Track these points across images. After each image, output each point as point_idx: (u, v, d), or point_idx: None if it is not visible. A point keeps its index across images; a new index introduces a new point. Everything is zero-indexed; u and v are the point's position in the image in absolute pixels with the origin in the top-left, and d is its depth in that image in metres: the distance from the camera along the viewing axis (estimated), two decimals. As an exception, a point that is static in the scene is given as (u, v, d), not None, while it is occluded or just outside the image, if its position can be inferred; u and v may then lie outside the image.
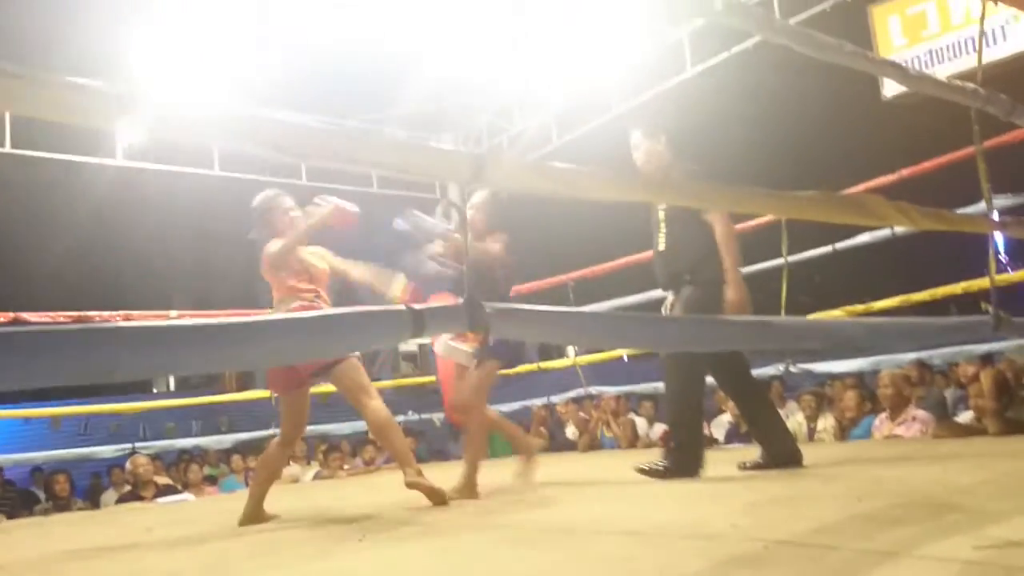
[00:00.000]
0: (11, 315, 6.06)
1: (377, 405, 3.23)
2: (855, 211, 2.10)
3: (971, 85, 2.55)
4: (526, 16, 6.74)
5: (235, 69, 6.86)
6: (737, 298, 3.16)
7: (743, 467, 3.47)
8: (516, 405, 7.92)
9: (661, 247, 3.49)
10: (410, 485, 3.08)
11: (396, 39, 7.09)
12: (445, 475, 3.50)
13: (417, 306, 1.51)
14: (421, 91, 8.11)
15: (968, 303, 5.83)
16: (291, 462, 7.62)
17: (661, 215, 3.47)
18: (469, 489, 3.33)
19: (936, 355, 5.36)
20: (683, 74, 7.13)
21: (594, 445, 6.81)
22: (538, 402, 7.71)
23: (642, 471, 3.38)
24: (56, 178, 8.38)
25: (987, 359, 5.15)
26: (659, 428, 6.62)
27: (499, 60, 7.62)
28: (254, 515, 3.33)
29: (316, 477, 7.22)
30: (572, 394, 7.25)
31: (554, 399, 7.61)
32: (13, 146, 6.77)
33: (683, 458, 3.34)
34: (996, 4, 2.63)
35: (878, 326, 2.29)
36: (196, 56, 6.88)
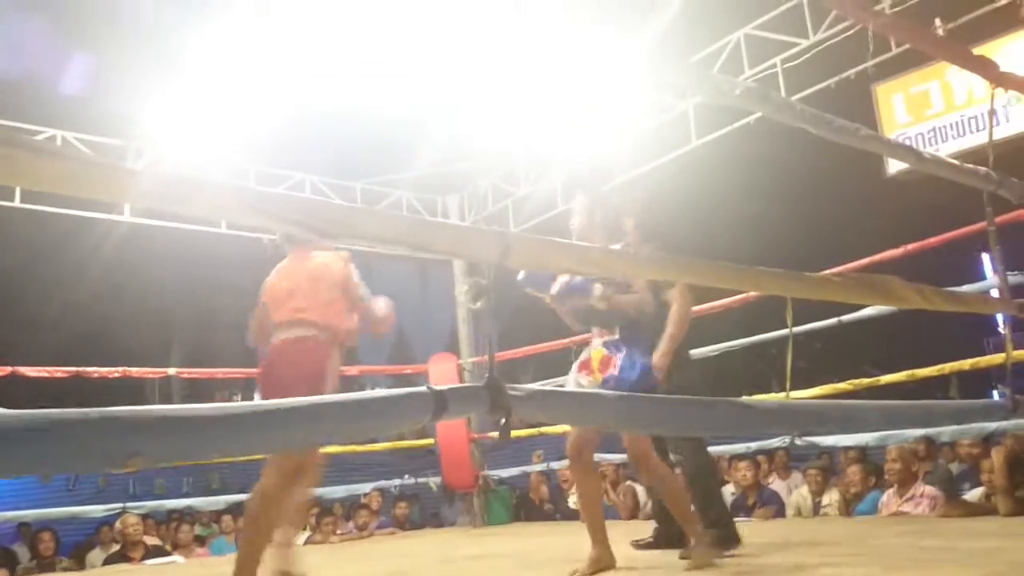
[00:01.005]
0: (8, 369, 6.02)
1: None
2: (875, 293, 2.10)
3: (984, 169, 2.57)
4: (535, 82, 6.86)
5: (247, 131, 6.96)
6: (660, 365, 3.32)
7: (636, 544, 3.53)
8: (514, 471, 7.81)
9: (599, 304, 3.51)
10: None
11: (405, 102, 7.20)
12: (440, 540, 3.42)
13: (438, 387, 1.48)
14: (429, 154, 8.21)
15: (970, 378, 5.80)
16: (283, 525, 7.46)
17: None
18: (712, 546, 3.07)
19: (943, 431, 5.30)
20: (687, 145, 7.23)
21: (595, 514, 6.68)
22: (537, 468, 7.59)
23: (686, 557, 3.17)
24: (62, 233, 8.41)
25: (992, 436, 5.11)
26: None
27: (507, 124, 7.73)
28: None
29: (307, 542, 7.06)
30: (573, 461, 7.13)
31: (554, 465, 7.50)
32: (22, 200, 6.81)
33: (722, 532, 3.39)
34: (1005, 91, 2.66)
35: (893, 409, 2.26)
36: (209, 118, 6.98)
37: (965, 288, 4.66)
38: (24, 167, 1.03)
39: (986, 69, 2.57)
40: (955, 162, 2.54)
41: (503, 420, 1.53)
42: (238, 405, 1.19)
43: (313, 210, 1.36)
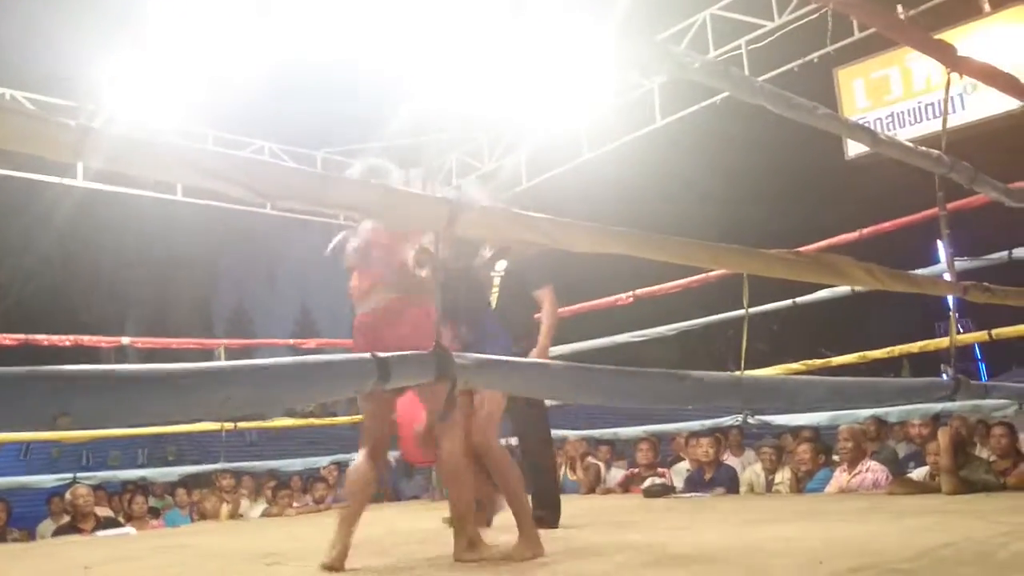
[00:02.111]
0: (73, 338, 5.90)
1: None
2: (826, 271, 2.12)
3: (936, 152, 2.60)
4: (502, 58, 6.81)
5: (207, 97, 6.81)
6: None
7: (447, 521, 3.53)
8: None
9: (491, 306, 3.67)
10: (459, 560, 2.71)
11: (371, 74, 7.11)
12: (400, 515, 3.41)
13: (382, 354, 1.46)
14: (394, 126, 8.12)
15: (921, 360, 5.93)
16: (240, 496, 7.41)
17: (496, 279, 3.87)
18: (533, 542, 2.83)
19: (892, 412, 5.42)
20: (653, 124, 7.24)
21: (553, 489, 6.74)
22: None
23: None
24: (12, 196, 8.18)
25: (939, 417, 5.23)
26: (617, 472, 6.58)
27: (473, 99, 7.68)
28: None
29: (263, 514, 7.02)
30: (531, 437, 7.16)
31: (513, 441, 7.52)
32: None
33: (553, 510, 3.69)
34: (961, 76, 2.69)
35: (842, 386, 2.29)
36: (168, 81, 6.81)
37: (917, 272, 4.75)
38: None
39: (944, 53, 2.59)
40: (909, 144, 2.57)
41: (450, 389, 1.52)
42: (172, 366, 1.16)
43: (255, 172, 1.32)
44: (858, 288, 5.20)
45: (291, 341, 8.74)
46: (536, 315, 3.92)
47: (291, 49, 6.60)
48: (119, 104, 7.08)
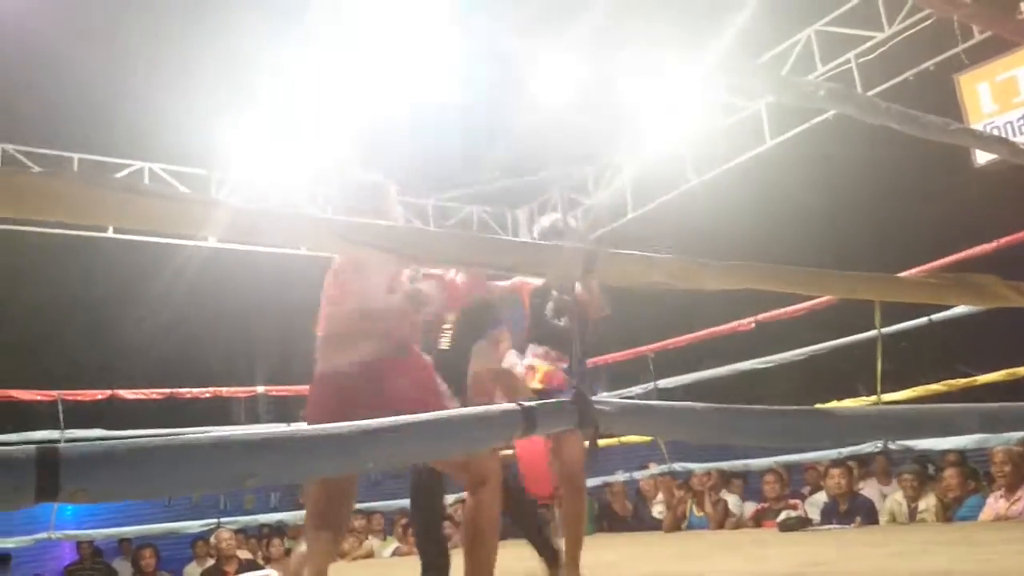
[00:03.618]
0: (108, 392, 6.33)
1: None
2: (974, 294, 2.02)
3: (1085, 158, 2.45)
4: (603, 86, 6.84)
5: (321, 155, 7.15)
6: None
7: None
8: (596, 480, 7.75)
9: (443, 346, 3.36)
10: None
11: (471, 115, 7.28)
12: (522, 551, 3.43)
13: (528, 403, 1.49)
14: (498, 167, 8.27)
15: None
16: (369, 536, 7.59)
17: (450, 316, 3.44)
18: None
19: (1048, 432, 5.04)
20: (762, 145, 7.09)
21: (679, 525, 6.60)
22: (620, 478, 7.52)
23: None
24: (150, 259, 8.79)
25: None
26: (750, 506, 6.38)
27: (574, 131, 7.73)
28: None
29: (395, 553, 7.17)
30: (656, 470, 7.04)
31: (636, 475, 7.42)
32: (114, 231, 7.16)
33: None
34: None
35: (996, 413, 2.16)
36: (285, 142, 7.20)
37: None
38: (110, 207, 1.07)
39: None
40: (1053, 152, 2.42)
41: (592, 435, 1.53)
42: (337, 426, 1.23)
43: (399, 237, 1.39)
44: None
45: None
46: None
47: (388, 99, 6.85)
48: (244, 168, 7.55)
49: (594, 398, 1.54)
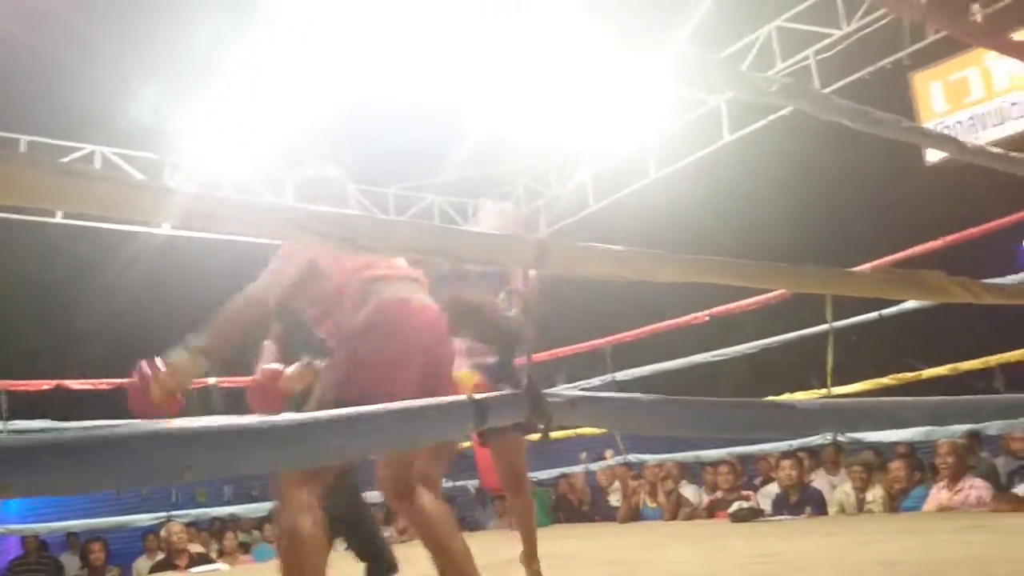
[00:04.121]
0: (55, 382, 6.17)
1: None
2: (919, 288, 2.05)
3: (1029, 157, 2.50)
4: (563, 80, 6.84)
5: (279, 139, 7.04)
6: None
7: None
8: (552, 472, 7.79)
9: None
10: None
11: (435, 106, 7.23)
12: (479, 546, 3.41)
13: (478, 396, 1.48)
14: (459, 157, 8.23)
15: (1016, 369, 5.65)
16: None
17: None
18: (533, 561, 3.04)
19: (991, 424, 5.18)
20: (720, 140, 7.15)
21: (634, 516, 6.66)
22: (576, 469, 7.56)
23: None
24: (101, 246, 8.58)
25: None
26: (699, 496, 6.45)
27: (537, 124, 7.72)
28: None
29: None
30: (612, 461, 7.09)
31: (592, 466, 7.46)
32: (64, 216, 6.97)
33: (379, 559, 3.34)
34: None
35: (942, 406, 2.21)
36: (242, 127, 7.06)
37: (1009, 279, 4.55)
38: (60, 191, 1.03)
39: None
40: (999, 151, 2.47)
41: (545, 427, 1.52)
42: (278, 418, 1.20)
43: (351, 224, 1.35)
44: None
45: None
46: None
47: (349, 88, 6.76)
48: (200, 153, 7.40)
49: (546, 390, 1.53)
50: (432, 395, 1.76)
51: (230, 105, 6.88)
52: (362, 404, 1.32)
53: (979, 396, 2.61)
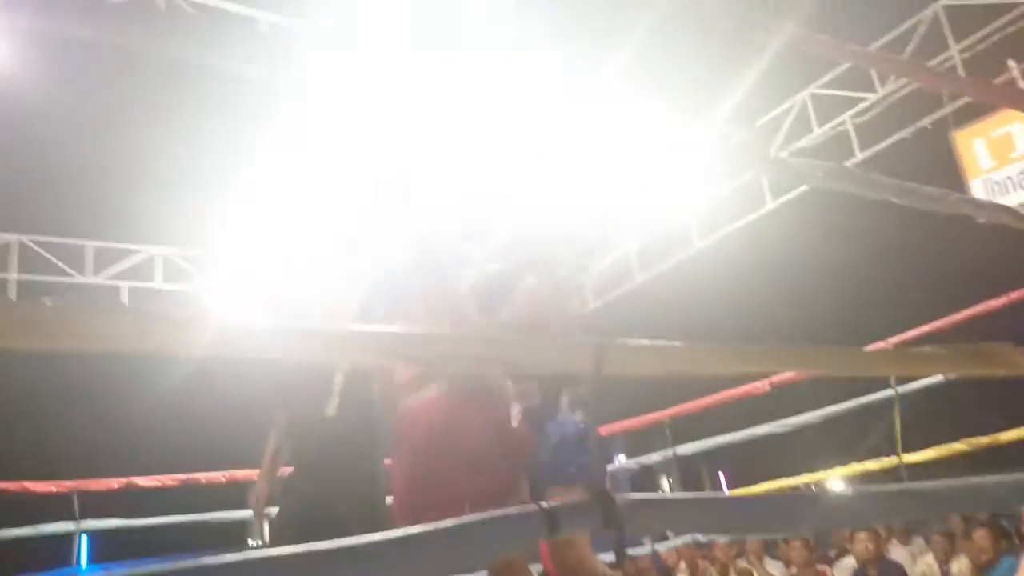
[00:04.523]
0: (124, 480, 6.26)
1: None
2: (990, 363, 2.00)
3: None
4: (608, 154, 6.91)
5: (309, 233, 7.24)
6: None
7: None
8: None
9: (330, 412, 2.86)
10: None
11: (476, 183, 7.34)
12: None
13: (548, 504, 1.48)
14: (500, 241, 8.30)
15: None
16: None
17: (338, 377, 2.93)
18: None
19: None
20: (763, 207, 7.15)
21: (705, 596, 6.42)
22: (641, 551, 7.35)
23: None
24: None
25: None
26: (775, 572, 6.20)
27: (579, 196, 7.81)
28: None
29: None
30: (679, 541, 6.88)
31: (658, 547, 7.25)
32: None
33: None
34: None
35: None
36: (267, 218, 7.28)
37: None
38: (69, 328, 1.03)
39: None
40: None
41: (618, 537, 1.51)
42: (324, 545, 1.17)
43: (399, 338, 1.37)
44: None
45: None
46: None
47: (388, 167, 6.93)
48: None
49: (616, 495, 1.52)
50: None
51: (258, 202, 7.10)
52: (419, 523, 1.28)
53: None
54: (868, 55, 2.40)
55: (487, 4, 5.33)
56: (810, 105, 6.44)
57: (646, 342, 1.65)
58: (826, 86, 6.32)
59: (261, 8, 5.57)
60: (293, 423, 2.91)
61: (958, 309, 5.10)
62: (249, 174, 6.85)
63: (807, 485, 6.24)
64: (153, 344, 1.12)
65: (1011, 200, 5.53)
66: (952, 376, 5.11)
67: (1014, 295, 4.89)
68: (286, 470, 3.01)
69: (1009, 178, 5.55)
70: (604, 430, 7.39)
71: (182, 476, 6.48)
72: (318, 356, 1.54)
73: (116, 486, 6.23)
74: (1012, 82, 5.50)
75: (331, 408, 2.84)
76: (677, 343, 1.67)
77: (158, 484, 6.42)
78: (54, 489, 6.14)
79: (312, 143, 6.36)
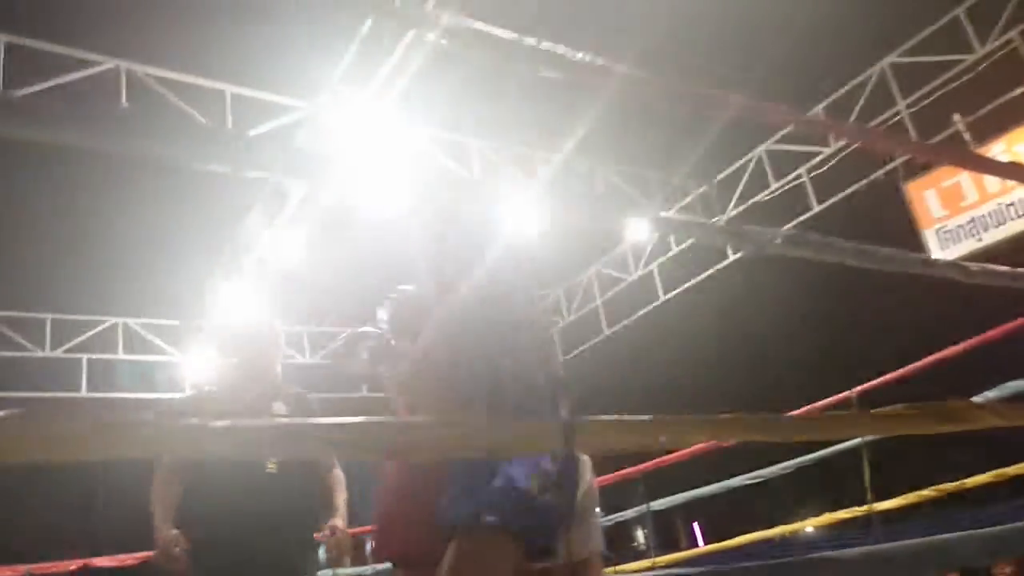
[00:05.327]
0: (82, 562, 6.07)
1: None
2: (950, 420, 2.03)
3: (1038, 272, 2.53)
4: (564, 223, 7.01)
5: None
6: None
7: None
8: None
9: (271, 468, 2.55)
10: None
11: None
12: None
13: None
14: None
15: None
16: None
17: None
18: None
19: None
20: (725, 260, 7.25)
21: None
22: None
23: None
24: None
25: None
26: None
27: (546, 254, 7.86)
28: None
29: None
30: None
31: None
32: (89, 390, 7.06)
33: None
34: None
35: (997, 537, 2.15)
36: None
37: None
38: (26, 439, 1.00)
39: (1020, 175, 2.58)
40: (1004, 268, 2.50)
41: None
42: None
43: (363, 431, 1.35)
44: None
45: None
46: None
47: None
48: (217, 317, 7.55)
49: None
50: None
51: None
52: None
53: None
54: (816, 122, 2.49)
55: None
56: (766, 160, 6.60)
57: (615, 417, 1.65)
58: (781, 141, 6.50)
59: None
60: (212, 472, 2.45)
61: (918, 357, 5.17)
62: (212, 244, 6.82)
63: (782, 535, 6.21)
64: (135, 450, 1.11)
65: (963, 248, 5.69)
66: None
67: (971, 342, 4.96)
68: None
69: (960, 227, 5.71)
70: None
71: (140, 555, 6.28)
72: (287, 452, 1.50)
73: (73, 568, 6.03)
74: (957, 135, 5.70)
75: (272, 465, 2.53)
76: (646, 416, 1.68)
77: (116, 564, 6.23)
78: (9, 574, 5.92)
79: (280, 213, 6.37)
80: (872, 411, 2.12)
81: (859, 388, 4.84)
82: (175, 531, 2.44)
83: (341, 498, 2.68)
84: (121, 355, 7.52)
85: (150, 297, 7.47)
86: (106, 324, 7.58)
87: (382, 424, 1.47)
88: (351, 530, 2.69)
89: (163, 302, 7.57)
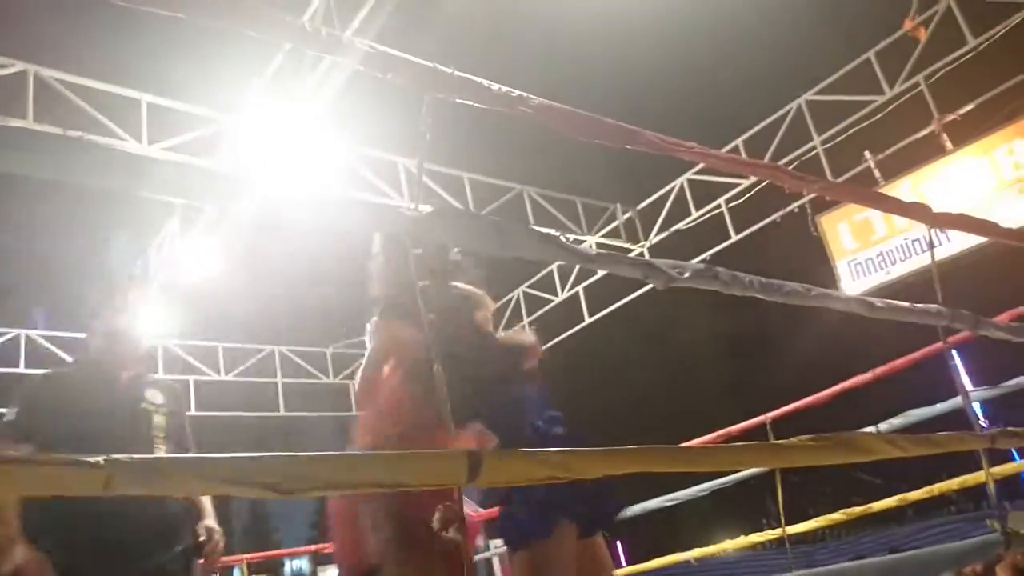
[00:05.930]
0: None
1: None
2: (848, 451, 2.09)
3: (935, 307, 2.65)
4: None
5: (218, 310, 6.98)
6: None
7: None
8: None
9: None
10: None
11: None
12: None
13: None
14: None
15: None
16: None
17: (160, 422, 2.45)
18: None
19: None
20: (647, 287, 7.38)
21: None
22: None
23: None
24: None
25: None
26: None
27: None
28: None
29: None
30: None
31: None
32: None
33: None
34: (941, 231, 2.79)
35: (892, 567, 2.22)
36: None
37: (938, 407, 4.67)
38: None
39: (922, 215, 2.70)
40: (905, 304, 2.62)
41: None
42: None
43: (270, 469, 1.31)
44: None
45: (313, 548, 8.41)
46: None
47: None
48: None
49: None
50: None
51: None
52: None
53: (931, 549, 2.63)
54: (725, 158, 2.55)
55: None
56: (687, 189, 6.75)
57: (521, 451, 1.64)
58: (701, 172, 6.65)
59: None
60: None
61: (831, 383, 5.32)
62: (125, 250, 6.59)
63: (697, 559, 6.28)
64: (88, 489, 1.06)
65: (873, 280, 5.91)
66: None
67: (880, 370, 5.14)
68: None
69: (870, 259, 5.94)
70: (489, 513, 7.25)
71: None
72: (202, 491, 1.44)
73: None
74: (867, 171, 5.94)
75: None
76: (552, 450, 1.67)
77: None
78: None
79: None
80: (775, 442, 2.17)
81: (773, 413, 4.98)
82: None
83: (205, 497, 2.45)
84: (23, 368, 7.15)
85: (59, 309, 7.16)
86: (8, 336, 7.22)
87: (284, 460, 1.42)
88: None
89: (72, 314, 7.25)
